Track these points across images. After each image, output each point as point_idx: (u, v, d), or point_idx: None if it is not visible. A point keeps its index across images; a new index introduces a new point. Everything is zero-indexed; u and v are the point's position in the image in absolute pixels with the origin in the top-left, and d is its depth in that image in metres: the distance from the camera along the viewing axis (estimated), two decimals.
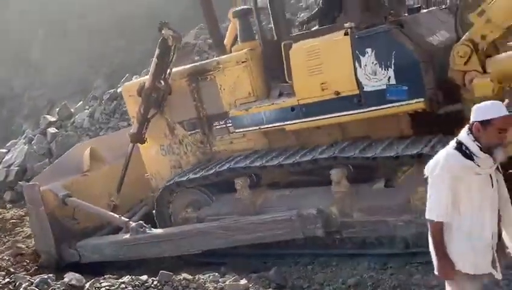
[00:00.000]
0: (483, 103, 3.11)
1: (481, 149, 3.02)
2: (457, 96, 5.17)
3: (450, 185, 3.05)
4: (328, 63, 5.45)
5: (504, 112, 3.00)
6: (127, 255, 6.48)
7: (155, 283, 5.14)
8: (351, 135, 5.77)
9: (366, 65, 5.24)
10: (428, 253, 5.00)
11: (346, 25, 5.28)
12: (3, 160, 12.64)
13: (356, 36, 5.25)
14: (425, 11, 6.29)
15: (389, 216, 5.30)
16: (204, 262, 6.30)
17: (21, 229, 8.60)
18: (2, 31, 24.03)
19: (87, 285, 5.20)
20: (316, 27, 6.17)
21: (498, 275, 3.19)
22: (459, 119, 5.12)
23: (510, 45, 5.34)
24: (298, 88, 5.70)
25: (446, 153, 3.13)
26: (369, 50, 5.19)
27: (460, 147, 3.06)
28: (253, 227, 5.80)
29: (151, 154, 7.21)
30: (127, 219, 6.67)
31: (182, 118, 6.84)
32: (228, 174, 6.04)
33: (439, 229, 3.14)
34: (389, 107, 5.23)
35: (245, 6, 6.72)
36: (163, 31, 6.49)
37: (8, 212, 9.70)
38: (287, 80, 5.88)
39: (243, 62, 6.20)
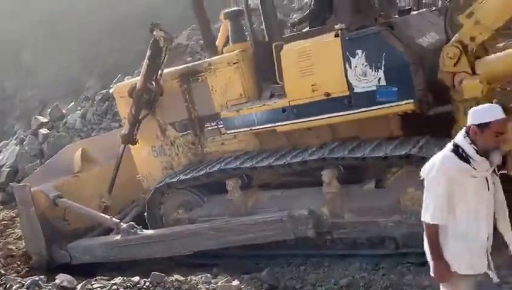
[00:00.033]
0: (480, 106, 3.12)
1: (478, 152, 3.02)
2: (447, 97, 5.20)
3: (445, 187, 3.06)
4: (319, 65, 5.47)
5: (501, 115, 3.01)
6: (118, 257, 6.47)
7: (147, 284, 5.14)
8: (341, 135, 5.79)
9: (356, 66, 5.26)
10: (420, 253, 5.03)
11: (337, 26, 5.30)
12: None
13: (346, 38, 5.27)
14: (415, 12, 6.33)
15: (380, 217, 5.33)
16: (197, 263, 6.30)
17: (12, 231, 8.55)
18: None
19: (78, 287, 5.21)
20: (307, 28, 6.20)
21: (494, 278, 3.20)
22: (449, 120, 5.22)
23: (499, 47, 5.38)
24: (289, 89, 5.72)
25: (442, 155, 3.13)
26: (359, 51, 5.22)
27: (457, 150, 3.07)
28: (244, 228, 5.81)
29: (143, 155, 7.20)
30: (118, 220, 6.65)
31: (174, 119, 6.84)
32: (219, 175, 6.05)
33: (434, 231, 3.14)
34: (379, 108, 5.25)
35: (236, 8, 6.73)
36: (154, 32, 6.49)
37: None
38: (278, 81, 5.89)
39: (234, 63, 6.21)
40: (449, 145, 3.14)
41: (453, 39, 5.10)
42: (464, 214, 3.11)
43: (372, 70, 5.19)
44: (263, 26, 6.23)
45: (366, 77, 5.24)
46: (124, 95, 7.01)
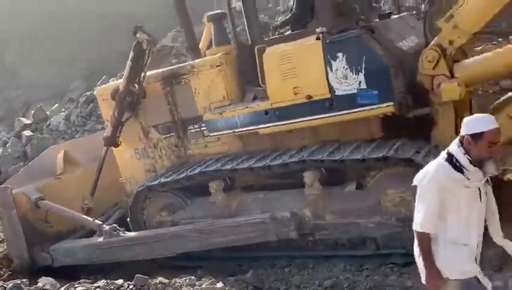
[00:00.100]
0: (474, 116, 3.14)
1: (471, 162, 3.03)
2: (426, 100, 5.28)
3: (438, 196, 3.07)
4: (301, 68, 5.51)
5: (495, 125, 3.02)
6: (100, 259, 6.45)
7: (131, 287, 5.13)
8: (323, 138, 5.83)
9: (337, 69, 5.32)
10: (402, 254, 5.17)
11: (318, 30, 5.35)
12: None
13: (327, 41, 5.32)
14: (396, 16, 6.40)
15: (360, 218, 5.39)
16: (181, 266, 6.30)
17: None
18: None
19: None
20: (290, 32, 6.24)
21: (486, 282, 3.20)
22: (428, 123, 5.30)
23: (477, 50, 5.48)
24: (271, 92, 5.75)
25: (436, 164, 3.13)
26: (340, 55, 5.27)
27: (450, 159, 3.07)
28: (227, 230, 5.83)
29: (126, 158, 7.18)
30: (101, 222, 6.63)
31: (157, 121, 6.84)
32: (200, 178, 6.07)
33: (426, 239, 3.15)
34: (359, 111, 5.31)
35: (220, 11, 6.75)
36: (137, 35, 6.49)
37: None
38: (261, 84, 5.93)
39: (217, 66, 6.23)
40: (443, 154, 3.14)
41: (432, 43, 5.19)
42: (455, 222, 3.12)
43: (353, 74, 5.25)
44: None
45: (347, 79, 5.29)
46: (106, 97, 7.00)
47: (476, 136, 3.00)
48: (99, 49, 21.10)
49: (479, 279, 3.20)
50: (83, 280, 5.65)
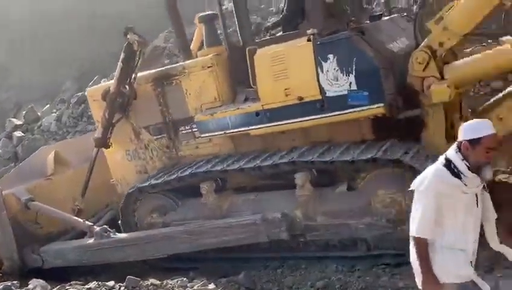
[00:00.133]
0: (471, 122, 3.13)
1: (469, 168, 3.02)
2: (417, 101, 5.30)
3: (435, 201, 3.06)
4: (292, 69, 5.52)
5: (492, 130, 3.02)
6: (90, 260, 6.43)
7: (122, 288, 5.15)
8: (314, 139, 5.84)
9: (328, 71, 5.33)
10: (393, 255, 5.19)
11: (309, 31, 5.36)
12: None
13: (318, 42, 5.33)
14: (386, 18, 6.42)
15: (351, 219, 5.41)
16: (173, 267, 6.29)
17: None
18: None
19: None
20: (281, 33, 6.25)
21: (483, 286, 3.19)
22: (419, 124, 5.33)
23: (467, 52, 5.51)
24: (262, 93, 5.76)
25: (434, 169, 3.13)
26: (331, 56, 5.28)
27: (449, 165, 3.07)
28: (218, 231, 5.83)
29: (117, 159, 7.15)
30: (91, 224, 6.61)
31: (148, 122, 6.82)
32: (190, 179, 6.06)
33: (423, 244, 3.14)
34: (350, 112, 5.33)
35: (211, 12, 6.75)
36: (128, 36, 6.47)
37: None
38: (252, 85, 5.93)
39: (208, 67, 6.22)
40: (441, 159, 3.14)
41: (422, 44, 5.21)
42: (452, 227, 3.12)
43: (344, 75, 5.26)
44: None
45: (337, 81, 5.31)
46: (97, 98, 6.97)
47: (473, 142, 2.99)
48: (91, 49, 20.98)
49: (474, 282, 3.19)
50: (74, 282, 5.64)
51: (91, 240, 6.41)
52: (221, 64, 6.25)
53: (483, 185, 3.17)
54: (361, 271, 5.27)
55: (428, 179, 3.09)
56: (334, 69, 5.29)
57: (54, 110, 14.46)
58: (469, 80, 5.36)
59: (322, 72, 5.35)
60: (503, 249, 3.30)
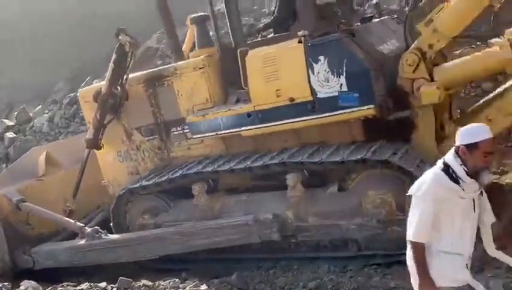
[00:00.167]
0: (468, 126, 3.10)
1: (467, 174, 3.01)
2: (406, 103, 5.34)
3: (433, 206, 3.05)
4: (283, 70, 5.54)
5: (489, 135, 3.00)
6: (82, 261, 6.43)
7: (114, 289, 5.13)
8: (305, 140, 5.86)
9: (319, 72, 5.35)
10: (384, 255, 5.22)
11: (300, 33, 5.39)
12: None
13: (309, 44, 5.36)
14: (377, 20, 6.46)
15: (342, 220, 5.43)
16: (165, 269, 6.29)
17: None
18: None
19: None
20: (272, 35, 6.28)
21: (480, 288, 3.19)
22: (408, 125, 5.37)
23: (456, 54, 5.56)
24: (254, 94, 5.77)
25: (433, 173, 3.11)
26: (321, 58, 5.31)
27: (447, 170, 3.05)
28: (209, 232, 5.84)
29: (108, 160, 7.15)
30: (83, 225, 6.61)
31: (139, 123, 6.82)
32: (181, 180, 6.07)
33: (420, 249, 3.13)
34: (341, 114, 5.36)
35: (203, 13, 6.77)
36: (120, 37, 6.48)
37: None
38: (244, 86, 5.94)
39: (200, 68, 6.23)
40: (439, 163, 3.12)
41: (412, 46, 5.25)
42: (449, 232, 3.11)
43: (334, 76, 5.29)
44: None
45: (328, 82, 5.33)
46: (89, 99, 6.97)
47: (471, 146, 2.98)
48: (84, 50, 20.92)
49: (470, 286, 3.19)
50: (66, 283, 5.65)
51: (82, 241, 6.41)
52: (212, 66, 6.26)
53: (481, 191, 3.15)
54: (353, 271, 5.28)
55: (427, 183, 3.07)
56: (325, 70, 5.32)
57: (46, 111, 14.40)
58: (458, 82, 5.40)
59: (313, 73, 5.38)
60: (499, 255, 3.30)
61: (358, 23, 6.22)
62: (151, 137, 6.79)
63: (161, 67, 7.03)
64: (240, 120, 5.90)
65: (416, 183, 3.17)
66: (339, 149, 5.40)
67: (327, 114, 5.42)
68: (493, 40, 5.15)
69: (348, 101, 5.28)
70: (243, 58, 5.82)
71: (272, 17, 6.33)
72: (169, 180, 6.09)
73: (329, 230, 5.51)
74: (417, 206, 3.12)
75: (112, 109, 6.72)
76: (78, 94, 8.01)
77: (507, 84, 5.42)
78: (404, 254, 5.05)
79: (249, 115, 5.83)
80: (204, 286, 5.25)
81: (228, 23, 6.17)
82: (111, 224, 6.70)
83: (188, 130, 6.41)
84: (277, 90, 5.59)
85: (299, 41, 5.41)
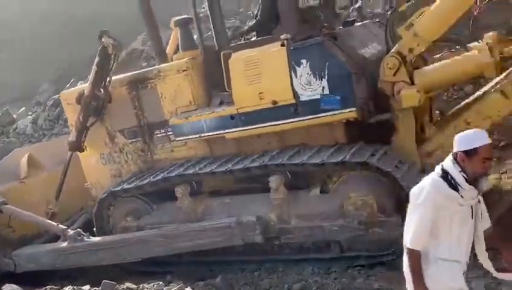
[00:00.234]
0: (466, 132, 3.06)
1: (467, 181, 2.98)
2: (387, 106, 5.40)
3: (431, 213, 3.02)
4: (266, 73, 5.57)
5: (488, 140, 2.98)
6: (64, 264, 6.39)
7: None
8: (288, 143, 5.89)
9: (301, 75, 5.39)
10: (367, 256, 5.26)
11: (282, 36, 5.42)
12: None
13: (292, 47, 5.39)
14: (359, 24, 6.51)
15: (325, 221, 5.46)
16: (149, 271, 6.26)
17: None
18: None
19: None
20: (255, 38, 6.31)
21: None
22: (389, 128, 5.43)
23: (436, 58, 5.63)
24: (237, 97, 5.80)
25: (431, 180, 3.07)
26: (304, 61, 5.35)
27: (446, 176, 3.02)
28: (192, 234, 5.84)
29: (91, 163, 7.12)
30: (65, 227, 6.57)
31: (123, 126, 6.80)
32: (163, 183, 6.07)
33: (416, 256, 3.11)
34: (323, 116, 5.40)
35: (186, 16, 6.77)
36: (103, 39, 6.47)
37: None
38: (227, 89, 5.96)
39: (183, 71, 6.24)
40: (437, 170, 3.09)
41: (392, 50, 5.31)
42: (447, 239, 3.09)
43: (316, 79, 5.33)
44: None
45: (310, 85, 5.37)
46: (71, 102, 6.93)
47: (470, 153, 2.95)
48: (69, 51, 20.81)
49: None
50: (49, 287, 5.61)
51: (65, 244, 6.37)
52: (196, 68, 6.27)
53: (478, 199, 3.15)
54: (337, 273, 5.32)
55: (426, 189, 3.04)
56: (307, 73, 5.36)
57: (30, 113, 14.30)
58: (438, 85, 5.47)
59: (296, 76, 5.41)
60: (488, 266, 3.30)
61: (341, 27, 6.27)
62: (135, 139, 6.78)
63: (144, 70, 7.01)
64: (223, 122, 5.91)
65: (416, 189, 3.13)
66: (320, 151, 5.44)
67: (310, 117, 5.46)
68: (472, 44, 5.23)
69: (330, 104, 5.33)
70: (226, 60, 5.84)
71: (255, 21, 6.36)
72: (151, 183, 6.09)
73: (312, 232, 5.55)
74: (415, 213, 3.09)
75: (94, 111, 6.69)
76: (59, 96, 7.97)
77: (486, 88, 5.51)
78: (386, 255, 5.20)
79: (232, 117, 5.85)
80: (188, 289, 5.22)
81: (212, 26, 6.18)
82: (94, 229, 6.67)
83: (171, 133, 6.41)
84: (260, 93, 5.62)
85: (282, 45, 5.44)
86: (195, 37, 6.79)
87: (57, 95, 13.77)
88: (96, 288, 5.20)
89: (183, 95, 6.28)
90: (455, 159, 3.02)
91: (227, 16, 12.60)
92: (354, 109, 5.26)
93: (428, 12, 5.11)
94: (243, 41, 6.35)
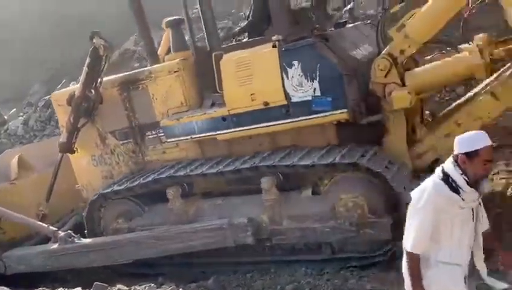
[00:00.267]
0: (466, 134, 3.03)
1: (468, 183, 2.97)
2: (379, 107, 5.40)
3: (432, 216, 3.01)
4: (257, 74, 5.56)
5: (489, 142, 2.95)
6: (55, 266, 6.37)
7: None
8: (280, 144, 5.89)
9: (293, 77, 5.39)
10: (359, 258, 5.26)
11: (274, 37, 5.42)
12: None
13: (283, 49, 5.39)
14: (350, 25, 6.52)
15: (316, 223, 5.46)
16: (141, 273, 6.26)
17: None
18: None
19: None
20: (247, 39, 6.30)
21: None
22: (380, 129, 5.44)
23: (427, 59, 5.65)
24: (228, 98, 5.79)
25: (433, 183, 3.05)
26: (295, 62, 5.35)
27: (447, 179, 3.00)
28: (184, 236, 5.83)
29: (82, 164, 7.08)
30: (56, 229, 6.54)
31: (114, 127, 6.77)
32: (153, 185, 6.05)
33: (415, 259, 3.10)
34: (314, 118, 5.40)
35: (178, 17, 6.76)
36: (94, 40, 6.44)
37: None
38: (218, 90, 5.95)
39: (175, 72, 6.22)
40: (438, 172, 3.07)
41: (383, 52, 5.32)
42: (448, 243, 3.08)
43: (308, 81, 5.33)
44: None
45: (302, 87, 5.37)
46: (62, 103, 6.90)
47: (471, 155, 2.93)
48: (61, 51, 20.71)
49: None
50: (40, 289, 5.59)
51: (55, 245, 6.34)
52: (187, 69, 6.25)
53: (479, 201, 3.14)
54: (329, 274, 5.32)
55: (427, 192, 3.02)
56: (299, 75, 5.35)
57: (21, 114, 14.23)
58: (429, 87, 5.49)
59: (287, 78, 5.41)
60: (483, 270, 3.28)
61: (332, 29, 6.27)
62: (126, 141, 6.75)
63: (136, 71, 6.98)
64: (214, 124, 5.90)
65: (416, 192, 3.11)
66: (311, 152, 5.45)
67: (301, 118, 5.46)
68: (462, 46, 5.25)
69: (322, 105, 5.33)
70: (218, 62, 5.83)
71: (247, 22, 6.35)
72: (141, 185, 6.07)
73: (304, 233, 5.55)
74: (416, 217, 3.07)
75: (85, 112, 6.66)
76: (50, 97, 7.92)
77: (477, 89, 5.54)
78: (378, 256, 5.21)
79: (223, 118, 5.84)
80: None
81: (203, 27, 6.18)
82: (85, 231, 6.63)
83: (162, 134, 6.38)
84: (251, 94, 5.61)
85: (274, 46, 5.44)
86: (187, 38, 6.79)
87: (49, 96, 13.71)
88: None
89: (174, 96, 6.26)
90: (456, 161, 3.00)
91: (220, 17, 12.60)
92: (345, 110, 5.26)
93: (419, 14, 5.12)
94: (234, 43, 6.34)
